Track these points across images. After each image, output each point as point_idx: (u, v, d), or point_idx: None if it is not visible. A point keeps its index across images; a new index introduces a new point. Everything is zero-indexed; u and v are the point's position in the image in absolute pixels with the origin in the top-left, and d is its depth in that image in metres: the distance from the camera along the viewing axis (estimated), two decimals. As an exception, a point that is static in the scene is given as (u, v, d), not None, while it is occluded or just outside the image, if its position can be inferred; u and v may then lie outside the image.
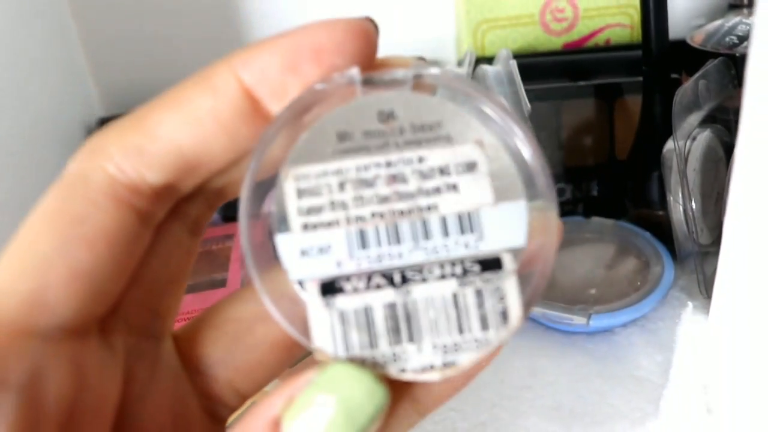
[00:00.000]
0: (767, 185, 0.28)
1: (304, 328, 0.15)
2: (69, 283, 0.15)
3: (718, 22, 0.47)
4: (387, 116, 0.16)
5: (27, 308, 0.14)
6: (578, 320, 0.38)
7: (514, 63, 0.43)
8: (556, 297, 0.40)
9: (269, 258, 0.15)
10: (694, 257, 0.40)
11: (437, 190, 0.16)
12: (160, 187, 0.16)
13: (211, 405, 0.19)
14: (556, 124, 0.50)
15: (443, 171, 0.16)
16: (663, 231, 0.44)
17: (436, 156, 0.16)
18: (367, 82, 0.16)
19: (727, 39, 0.45)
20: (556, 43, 0.55)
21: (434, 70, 0.16)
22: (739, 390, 0.33)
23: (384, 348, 0.15)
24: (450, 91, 0.16)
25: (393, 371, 0.15)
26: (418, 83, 0.16)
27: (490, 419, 0.35)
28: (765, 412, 0.32)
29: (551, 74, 0.51)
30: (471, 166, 0.16)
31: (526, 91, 0.42)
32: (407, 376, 0.15)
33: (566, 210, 0.51)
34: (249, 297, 0.19)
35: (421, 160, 0.16)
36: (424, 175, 0.16)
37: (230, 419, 0.19)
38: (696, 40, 0.46)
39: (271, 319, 0.17)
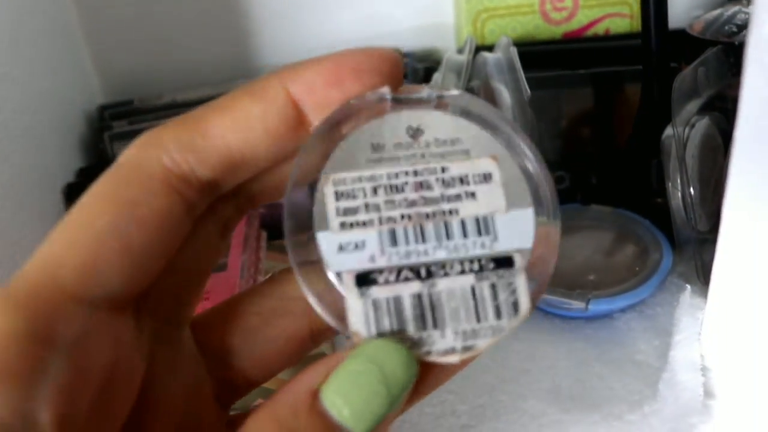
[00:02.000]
0: (765, 172, 0.28)
1: (338, 317, 0.17)
2: (119, 259, 0.16)
3: (717, 11, 0.47)
4: (415, 131, 0.18)
5: (79, 278, 0.15)
6: (577, 305, 0.39)
7: (514, 50, 0.44)
8: (555, 282, 0.40)
9: (308, 254, 0.17)
10: (693, 244, 0.41)
11: (458, 197, 0.18)
12: (206, 181, 0.17)
13: (221, 390, 0.20)
14: (556, 112, 0.50)
15: (463, 180, 0.18)
16: (662, 218, 0.44)
17: (456, 167, 0.18)
18: (396, 100, 0.18)
19: (726, 28, 0.45)
20: (556, 32, 0.55)
21: (454, 92, 0.19)
22: (736, 374, 0.33)
23: (411, 332, 0.17)
24: (467, 111, 0.19)
25: (419, 353, 0.17)
26: (440, 103, 0.19)
27: (489, 402, 0.35)
28: (762, 395, 0.32)
29: (551, 63, 0.51)
30: (487, 177, 0.18)
31: (527, 79, 0.43)
32: (431, 358, 0.17)
33: (566, 198, 0.51)
34: (268, 292, 0.20)
35: (444, 170, 0.18)
36: (446, 184, 0.18)
37: (234, 406, 0.20)
38: (695, 29, 0.46)
39: (287, 316, 0.19)
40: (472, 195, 0.18)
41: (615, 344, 0.38)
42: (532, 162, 0.18)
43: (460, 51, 0.48)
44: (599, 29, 0.55)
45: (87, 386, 0.15)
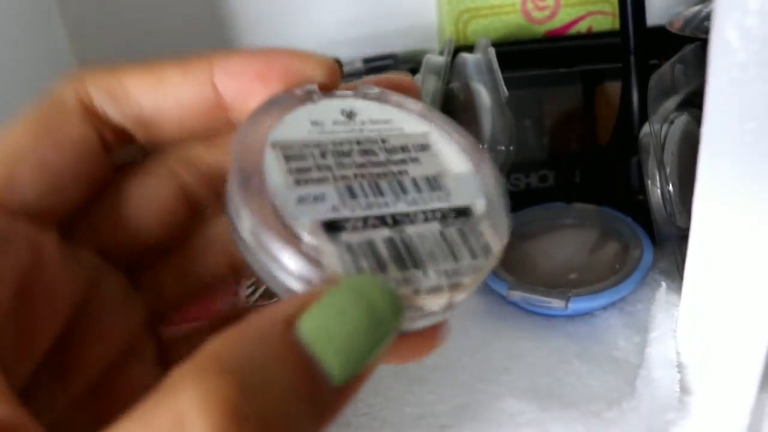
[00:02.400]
0: (732, 171, 0.28)
1: (311, 264, 0.16)
2: (36, 176, 0.17)
3: (696, 8, 0.48)
4: (349, 113, 0.19)
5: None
6: (557, 303, 0.39)
7: (492, 51, 0.44)
8: (536, 281, 0.41)
9: (266, 213, 0.16)
10: (673, 240, 0.41)
11: (403, 161, 0.19)
12: (118, 126, 0.19)
13: (154, 321, 0.21)
14: (540, 111, 0.50)
15: (404, 149, 0.19)
16: (644, 215, 0.44)
17: (395, 140, 0.19)
18: (325, 96, 0.19)
19: (705, 24, 0.45)
20: (538, 31, 0.55)
21: (376, 89, 0.20)
22: (712, 370, 0.33)
23: (394, 273, 0.16)
24: (392, 101, 0.20)
25: (407, 292, 0.16)
26: (366, 95, 0.20)
27: (469, 402, 0.35)
28: (737, 391, 0.32)
29: (534, 62, 0.51)
30: (425, 147, 0.19)
31: (510, 78, 0.43)
32: (421, 300, 0.16)
33: (550, 196, 0.51)
34: (199, 232, 0.21)
35: (384, 141, 0.19)
36: (389, 151, 0.19)
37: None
38: (675, 25, 0.47)
39: (209, 254, 0.21)
40: (416, 160, 0.19)
41: (595, 341, 0.38)
42: (459, 135, 0.20)
43: (441, 52, 0.48)
44: (581, 27, 0.55)
45: (2, 281, 0.16)
